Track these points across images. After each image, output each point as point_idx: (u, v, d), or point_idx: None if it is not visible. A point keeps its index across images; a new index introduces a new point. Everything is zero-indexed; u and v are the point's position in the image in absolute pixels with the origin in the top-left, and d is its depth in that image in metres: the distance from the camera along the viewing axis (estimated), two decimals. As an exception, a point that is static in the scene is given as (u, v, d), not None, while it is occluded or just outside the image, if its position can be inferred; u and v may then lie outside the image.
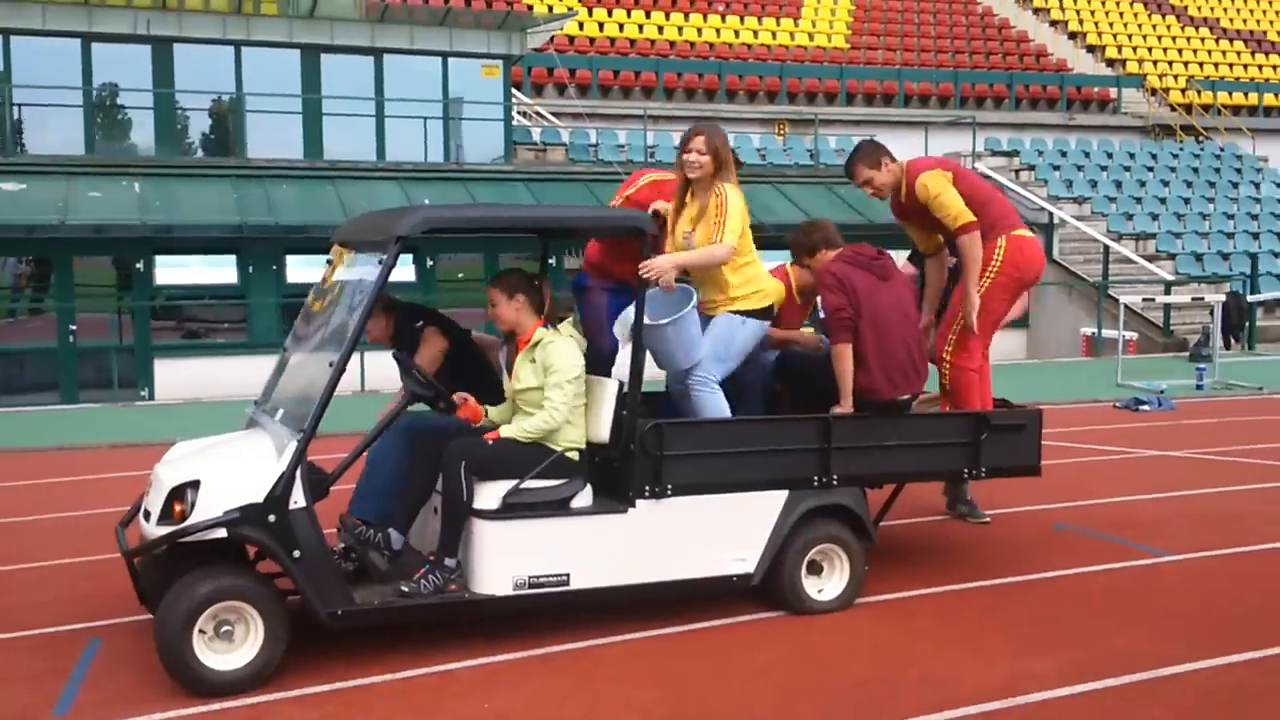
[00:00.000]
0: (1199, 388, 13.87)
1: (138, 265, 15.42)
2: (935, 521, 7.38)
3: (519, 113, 20.56)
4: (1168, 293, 18.72)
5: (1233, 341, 18.25)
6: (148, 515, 4.86)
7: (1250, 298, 18.98)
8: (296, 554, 4.68)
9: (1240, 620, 5.50)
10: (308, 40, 17.67)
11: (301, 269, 16.16)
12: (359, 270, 5.26)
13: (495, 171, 18.14)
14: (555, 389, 5.11)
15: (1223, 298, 16.42)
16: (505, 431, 5.11)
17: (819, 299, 6.15)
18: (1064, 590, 5.97)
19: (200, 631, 4.58)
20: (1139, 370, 15.17)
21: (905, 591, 5.90)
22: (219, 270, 15.97)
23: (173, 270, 15.78)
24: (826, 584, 5.60)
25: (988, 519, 7.32)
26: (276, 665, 4.72)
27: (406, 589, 4.92)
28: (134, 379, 15.17)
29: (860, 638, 5.26)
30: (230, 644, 4.66)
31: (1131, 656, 5.01)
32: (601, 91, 23.53)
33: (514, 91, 19.78)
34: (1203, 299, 17.31)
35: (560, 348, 5.18)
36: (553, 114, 22.05)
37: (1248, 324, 18.68)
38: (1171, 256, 21.22)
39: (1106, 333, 17.02)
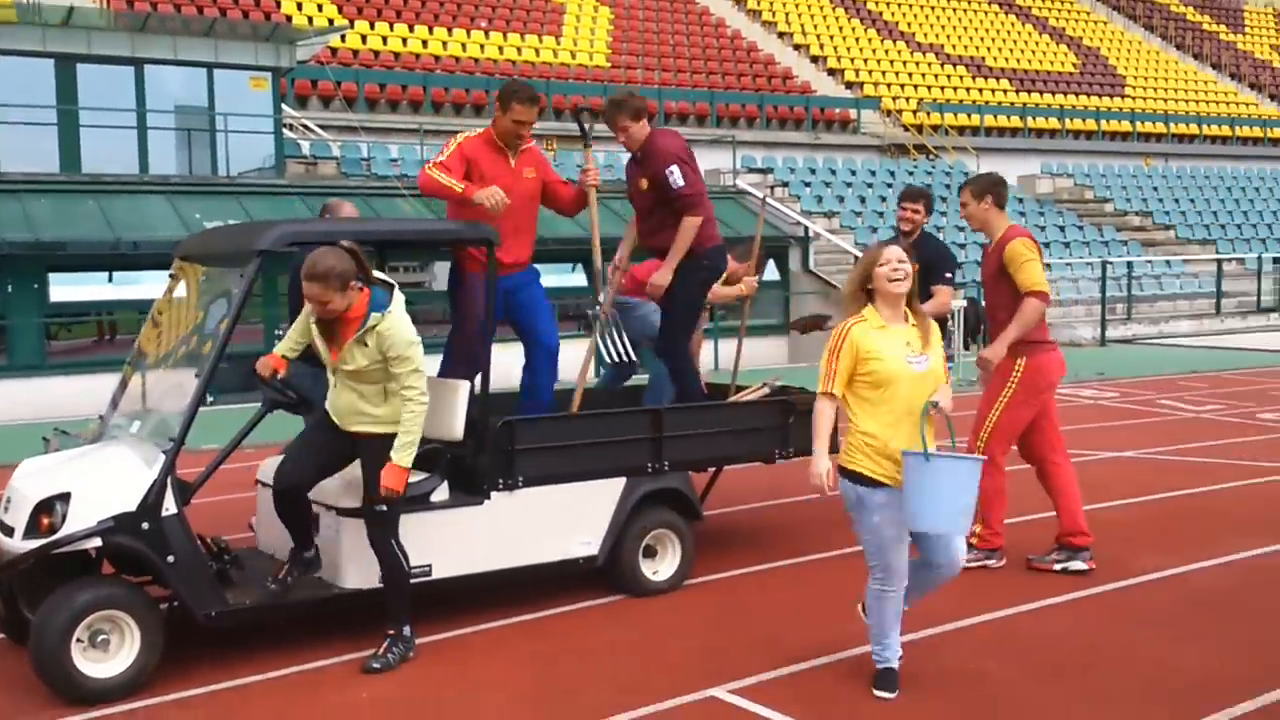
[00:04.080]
0: (948, 385, 15.17)
1: (-116, 285, 14.51)
2: (749, 510, 8.02)
3: (286, 125, 20.29)
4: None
5: (971, 343, 19.94)
6: (9, 531, 4.88)
7: (983, 303, 20.76)
8: (171, 559, 4.83)
9: (1011, 580, 6.35)
10: (62, 49, 16.97)
11: (66, 287, 15.54)
12: (213, 285, 5.42)
13: (268, 185, 17.89)
14: (414, 375, 4.96)
15: (963, 303, 17.97)
16: (401, 462, 4.98)
17: None
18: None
19: (77, 640, 4.67)
20: (892, 371, 16.42)
21: (730, 571, 6.49)
22: (-27, 289, 15.16)
23: (-77, 290, 14.91)
24: (660, 565, 6.12)
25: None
26: (152, 671, 4.84)
27: (377, 665, 5.02)
28: (-118, 405, 14.24)
29: (698, 613, 5.79)
30: (106, 653, 4.75)
31: (929, 614, 5.68)
32: (369, 105, 23.46)
33: (282, 104, 19.54)
34: (946, 305, 18.84)
35: (399, 329, 4.94)
36: (320, 126, 21.85)
37: (984, 326, 20.45)
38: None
39: (860, 337, 18.25)
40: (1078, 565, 6.50)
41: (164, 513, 4.82)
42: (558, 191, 6.52)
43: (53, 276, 15.39)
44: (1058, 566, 6.52)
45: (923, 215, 7.51)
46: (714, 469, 6.96)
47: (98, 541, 4.75)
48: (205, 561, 5.05)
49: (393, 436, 4.98)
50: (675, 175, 6.20)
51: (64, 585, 4.72)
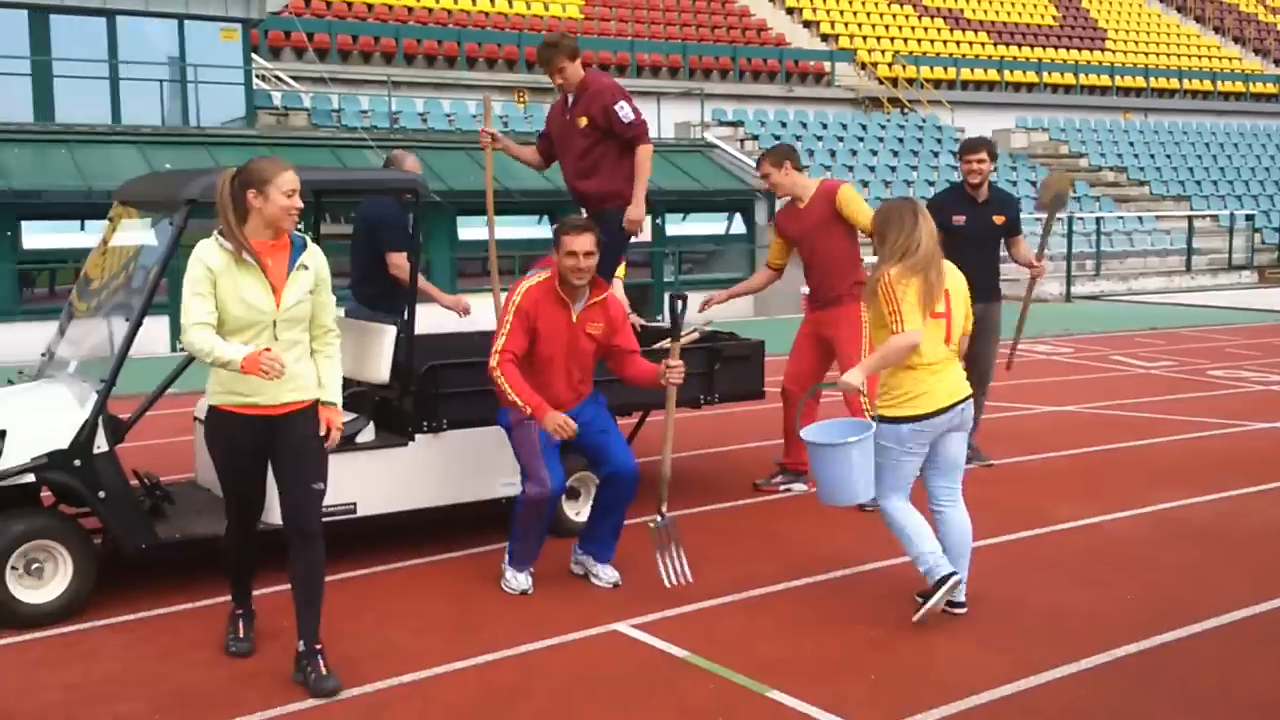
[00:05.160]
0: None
1: None
2: (678, 458, 8.22)
3: (259, 76, 20.36)
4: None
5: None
6: (-50, 466, 5.12)
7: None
8: (102, 494, 5.08)
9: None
10: (34, 0, 17.06)
11: (38, 235, 15.73)
12: (147, 232, 5.63)
13: (238, 135, 18.00)
14: (333, 304, 4.64)
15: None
16: (336, 399, 4.64)
17: None
18: (782, 510, 6.97)
19: (12, 568, 4.94)
20: (854, 323, 16.67)
21: (640, 517, 6.72)
22: (-53, 237, 15.32)
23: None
24: (583, 507, 6.38)
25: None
26: (86, 598, 5.12)
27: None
28: None
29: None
30: (40, 580, 5.03)
31: (836, 559, 5.99)
32: (341, 56, 23.48)
33: (254, 55, 19.62)
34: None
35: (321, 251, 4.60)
36: (293, 78, 21.91)
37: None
38: (881, 220, 23.11)
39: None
40: (800, 486, 7.18)
41: (95, 450, 5.06)
42: (626, 361, 5.69)
43: (25, 225, 15.57)
44: (783, 488, 7.23)
45: (988, 164, 7.56)
46: (639, 415, 7.20)
47: (31, 477, 4.99)
48: (137, 497, 5.30)
49: (315, 403, 4.57)
50: (625, 109, 6.33)
51: (1, 515, 4.97)
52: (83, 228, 16.25)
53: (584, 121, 6.47)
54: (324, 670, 4.47)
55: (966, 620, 5.16)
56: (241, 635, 4.85)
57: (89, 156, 16.27)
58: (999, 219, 7.67)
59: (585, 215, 6.44)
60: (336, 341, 4.65)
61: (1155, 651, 4.84)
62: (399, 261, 6.59)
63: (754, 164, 21.98)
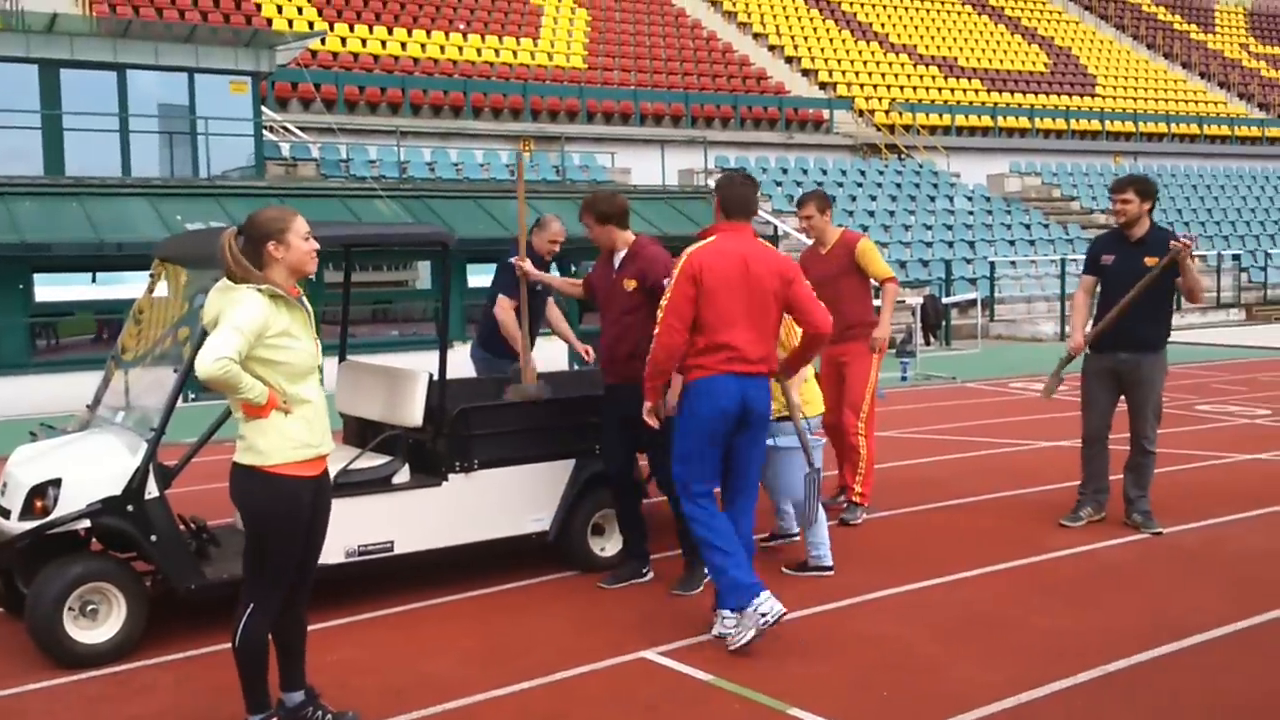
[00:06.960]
0: (903, 379, 15.82)
1: (-128, 286, 14.92)
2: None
3: (267, 127, 20.75)
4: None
5: (931, 338, 20.49)
6: (6, 513, 5.37)
7: (945, 300, 21.34)
8: (154, 538, 5.33)
9: (930, 556, 6.90)
10: (45, 55, 17.44)
11: (51, 287, 15.95)
12: (191, 285, 5.91)
13: (248, 186, 18.32)
14: None
15: (921, 300, 18.53)
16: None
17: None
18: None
19: (69, 610, 5.17)
20: (854, 365, 16.97)
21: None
22: (-40, 290, 15.56)
23: (-90, 291, 15.31)
24: (608, 543, 6.65)
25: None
26: (138, 638, 5.35)
27: None
28: None
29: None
30: (95, 621, 5.26)
31: (845, 588, 6.27)
32: (348, 107, 23.92)
33: (262, 107, 20.01)
34: (904, 301, 19.43)
35: None
36: (300, 128, 22.30)
37: (944, 323, 21.01)
38: (880, 264, 23.52)
39: (826, 333, 18.82)
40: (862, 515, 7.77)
41: (147, 496, 5.31)
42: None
43: (37, 277, 15.81)
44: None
45: (1135, 203, 7.05)
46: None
47: (87, 522, 5.25)
48: (185, 540, 5.55)
49: None
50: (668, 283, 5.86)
51: (57, 560, 5.21)
52: (94, 280, 16.52)
53: (631, 285, 6.29)
54: (332, 708, 4.55)
55: (970, 641, 5.47)
56: None
57: (100, 209, 16.52)
58: (1150, 260, 7.09)
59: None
60: None
61: (1146, 665, 5.17)
62: (502, 304, 7.36)
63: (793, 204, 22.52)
